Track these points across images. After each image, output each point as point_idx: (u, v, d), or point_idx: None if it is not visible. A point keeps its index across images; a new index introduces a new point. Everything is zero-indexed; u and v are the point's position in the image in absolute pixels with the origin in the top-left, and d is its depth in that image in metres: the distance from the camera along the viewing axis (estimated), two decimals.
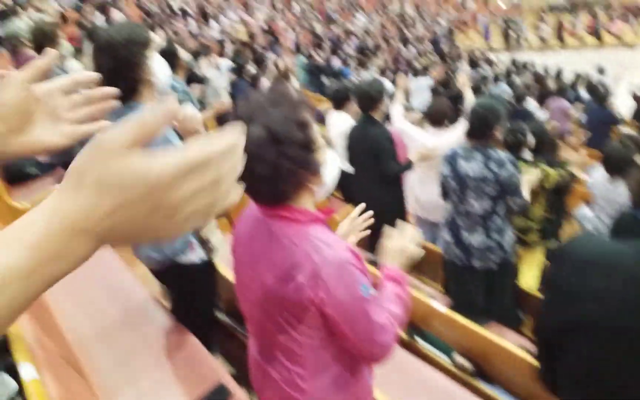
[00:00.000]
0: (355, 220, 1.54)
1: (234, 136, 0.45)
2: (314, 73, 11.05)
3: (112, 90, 0.71)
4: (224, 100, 3.97)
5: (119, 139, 0.40)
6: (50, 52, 0.59)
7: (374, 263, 2.79)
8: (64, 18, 12.11)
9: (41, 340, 1.78)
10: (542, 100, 7.77)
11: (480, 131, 2.69)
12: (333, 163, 1.24)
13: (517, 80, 10.05)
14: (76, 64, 6.33)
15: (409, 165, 3.39)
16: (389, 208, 3.32)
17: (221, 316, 2.52)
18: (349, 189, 4.71)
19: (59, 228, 0.40)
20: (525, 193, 2.74)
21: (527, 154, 3.50)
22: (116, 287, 2.56)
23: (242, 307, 1.35)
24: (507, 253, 2.77)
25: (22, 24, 4.38)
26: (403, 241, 1.42)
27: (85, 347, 2.18)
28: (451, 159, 2.81)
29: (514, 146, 3.34)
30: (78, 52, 6.61)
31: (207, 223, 0.39)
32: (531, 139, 3.47)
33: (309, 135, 1.11)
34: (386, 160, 3.28)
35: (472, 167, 2.68)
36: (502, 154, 2.65)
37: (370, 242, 3.62)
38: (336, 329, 1.16)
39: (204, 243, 2.07)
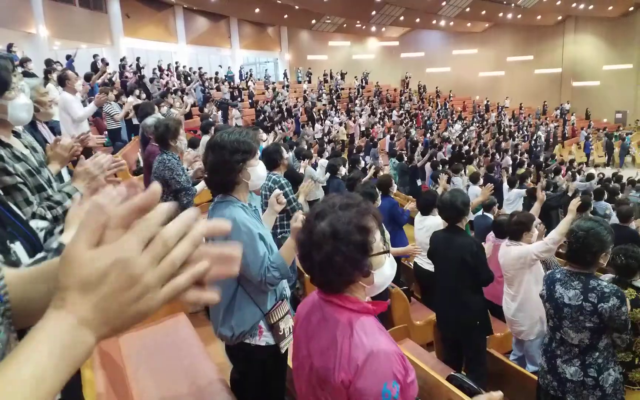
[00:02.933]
0: None
1: (164, 208, 0.52)
2: (406, 175, 11.29)
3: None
4: (310, 183, 4.20)
5: (78, 245, 0.49)
6: (153, 189, 0.53)
7: (454, 380, 2.66)
8: (189, 113, 13.90)
9: (108, 391, 1.95)
10: None
11: (581, 257, 2.47)
12: (390, 268, 1.35)
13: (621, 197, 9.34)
14: (193, 153, 7.21)
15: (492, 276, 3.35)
16: (474, 315, 3.30)
17: None
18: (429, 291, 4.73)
19: (69, 329, 0.48)
20: None
21: (639, 281, 3.19)
22: (193, 373, 2.73)
23: (295, 384, 1.44)
24: (606, 395, 2.42)
25: (151, 120, 5.14)
26: None
27: None
28: (549, 281, 2.62)
29: (624, 270, 3.00)
30: (195, 143, 7.51)
31: (177, 293, 0.53)
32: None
33: (367, 239, 1.23)
34: (484, 270, 3.27)
35: (569, 294, 2.46)
36: (607, 286, 2.38)
37: (449, 354, 3.49)
38: None
39: (273, 328, 2.17)
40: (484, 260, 3.30)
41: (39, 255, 1.01)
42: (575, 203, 3.63)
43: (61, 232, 1.54)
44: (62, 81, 5.79)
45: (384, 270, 1.32)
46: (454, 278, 3.32)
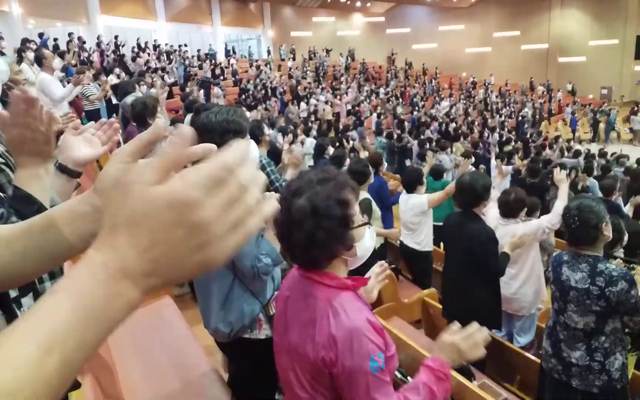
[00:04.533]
0: (378, 275, 1.64)
1: (242, 146, 0.45)
2: (393, 154, 11.22)
3: None
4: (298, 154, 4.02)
5: (144, 174, 0.41)
6: (157, 123, 0.56)
7: (463, 371, 2.62)
8: (169, 92, 13.60)
9: (94, 372, 1.85)
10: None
11: (585, 234, 2.40)
12: (370, 238, 1.37)
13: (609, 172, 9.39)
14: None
15: (507, 259, 3.16)
16: (481, 305, 3.15)
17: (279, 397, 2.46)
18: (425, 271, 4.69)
19: (103, 280, 0.40)
20: None
21: (620, 252, 3.17)
22: (181, 356, 2.64)
23: (276, 359, 1.45)
24: (612, 379, 2.37)
25: (130, 98, 4.99)
26: (463, 340, 1.38)
27: (133, 389, 2.28)
28: (556, 264, 2.55)
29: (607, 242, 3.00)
30: (178, 122, 7.30)
31: (247, 239, 0.44)
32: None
33: (348, 213, 1.22)
34: (493, 262, 3.07)
35: (576, 277, 2.39)
36: (615, 269, 2.31)
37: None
38: (341, 393, 1.23)
39: (272, 320, 2.04)
40: (493, 251, 3.09)
41: None
42: (562, 173, 3.66)
43: None
44: (39, 60, 5.57)
45: (365, 242, 1.33)
46: (462, 267, 3.16)
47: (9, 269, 0.72)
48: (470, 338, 1.38)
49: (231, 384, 2.38)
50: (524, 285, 3.67)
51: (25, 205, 0.98)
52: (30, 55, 6.86)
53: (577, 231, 2.41)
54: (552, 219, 3.51)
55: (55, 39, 13.07)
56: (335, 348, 1.18)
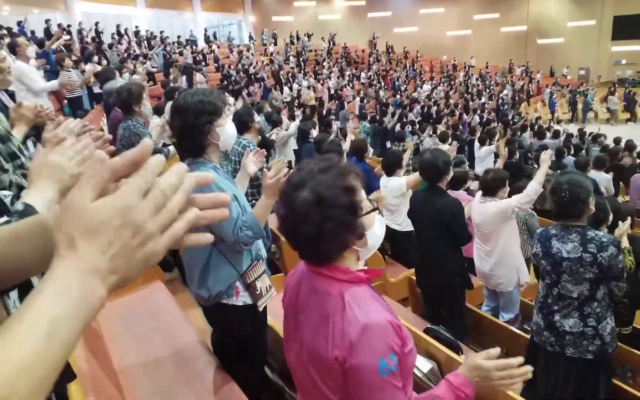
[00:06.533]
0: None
1: (180, 168, 0.53)
2: (377, 137, 11.30)
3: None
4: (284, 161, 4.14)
5: (82, 195, 0.49)
6: (145, 143, 0.53)
7: (431, 332, 2.73)
8: (152, 78, 13.43)
9: (89, 361, 1.92)
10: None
11: (574, 209, 2.50)
12: (380, 227, 1.28)
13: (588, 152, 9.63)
14: (157, 119, 6.97)
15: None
16: (453, 273, 3.39)
17: (272, 376, 2.53)
18: (403, 250, 4.81)
19: (77, 281, 0.47)
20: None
21: (605, 232, 3.26)
22: (174, 339, 2.69)
23: (287, 358, 1.37)
24: (605, 343, 2.48)
25: (116, 84, 4.96)
26: (497, 369, 1.33)
27: (129, 375, 2.35)
28: (544, 239, 2.64)
29: (591, 221, 2.90)
30: (160, 110, 7.25)
31: (176, 240, 0.55)
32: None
33: (354, 200, 1.15)
34: (462, 229, 3.31)
35: (567, 248, 2.49)
36: (604, 236, 2.43)
37: (429, 311, 3.58)
38: (351, 393, 1.15)
39: (250, 288, 2.16)
40: (463, 221, 3.34)
41: (2, 219, 0.96)
42: (547, 153, 3.73)
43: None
44: (13, 49, 5.46)
45: (375, 230, 1.25)
46: (434, 238, 3.35)
47: None
48: (506, 369, 1.32)
49: (217, 352, 2.50)
50: (500, 263, 3.74)
51: None
52: (7, 42, 6.72)
53: (567, 205, 2.49)
54: (521, 199, 3.56)
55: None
56: (347, 345, 1.10)
